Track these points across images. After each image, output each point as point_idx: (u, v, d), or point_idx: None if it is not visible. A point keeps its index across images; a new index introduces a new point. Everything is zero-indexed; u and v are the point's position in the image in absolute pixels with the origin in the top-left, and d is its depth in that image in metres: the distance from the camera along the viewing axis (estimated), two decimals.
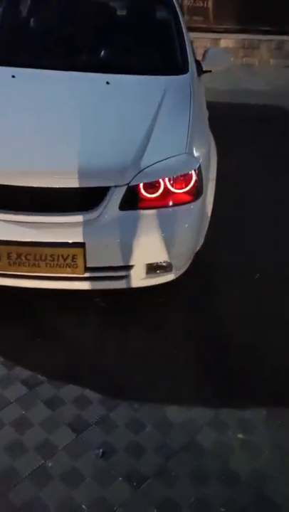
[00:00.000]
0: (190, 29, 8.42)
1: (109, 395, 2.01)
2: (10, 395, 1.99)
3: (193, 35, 8.45)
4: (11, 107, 2.43)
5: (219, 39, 8.47)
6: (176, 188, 2.19)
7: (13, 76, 2.66)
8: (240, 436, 1.87)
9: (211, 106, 5.90)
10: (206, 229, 2.55)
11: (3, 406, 1.94)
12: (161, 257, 2.21)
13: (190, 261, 2.43)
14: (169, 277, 2.32)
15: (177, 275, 2.36)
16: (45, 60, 2.83)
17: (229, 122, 5.45)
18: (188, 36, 3.67)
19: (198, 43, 8.37)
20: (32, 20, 3.25)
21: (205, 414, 1.95)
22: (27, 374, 2.08)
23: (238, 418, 1.94)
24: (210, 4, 8.45)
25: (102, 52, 2.93)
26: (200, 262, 2.66)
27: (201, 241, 2.51)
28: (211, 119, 5.34)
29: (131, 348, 2.26)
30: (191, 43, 3.35)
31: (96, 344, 2.27)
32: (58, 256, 2.04)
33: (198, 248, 2.49)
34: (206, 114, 2.88)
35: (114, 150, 2.17)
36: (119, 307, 2.48)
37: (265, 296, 2.64)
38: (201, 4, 8.47)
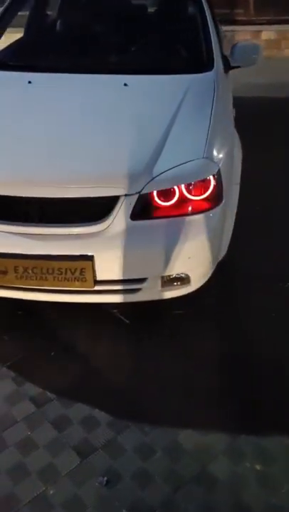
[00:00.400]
0: (230, 22, 8.26)
1: (119, 416, 1.90)
2: (17, 413, 1.92)
3: (233, 28, 8.29)
4: (23, 114, 2.37)
5: (260, 31, 8.16)
6: (193, 195, 2.05)
7: (29, 82, 2.60)
8: (257, 467, 1.71)
9: (249, 101, 5.78)
10: (230, 236, 2.39)
11: (10, 425, 1.87)
12: (177, 269, 2.07)
13: (211, 271, 2.28)
14: (187, 290, 2.18)
15: (197, 287, 2.21)
16: (63, 63, 2.76)
17: (270, 118, 5.22)
18: (219, 30, 3.51)
19: (238, 36, 8.13)
20: (51, 23, 3.20)
21: (220, 441, 1.80)
22: (37, 391, 2.01)
23: (257, 447, 1.77)
24: None
25: (122, 53, 2.83)
26: (224, 270, 2.51)
27: (224, 250, 2.35)
28: (248, 116, 5.15)
29: (145, 365, 2.14)
30: (219, 37, 3.18)
31: (110, 359, 2.17)
32: (66, 269, 1.96)
33: (220, 257, 2.34)
34: (231, 113, 2.70)
35: (125, 157, 2.05)
36: (136, 319, 2.36)
37: None
38: None
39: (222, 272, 2.46)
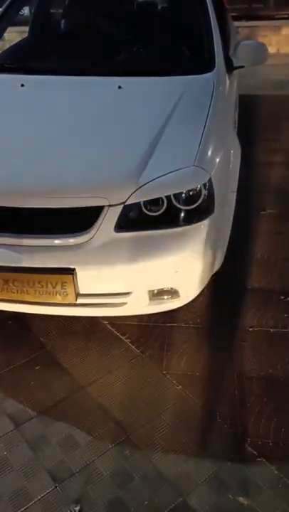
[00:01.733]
0: (250, 18, 8.05)
1: (99, 438, 1.82)
2: None
3: (252, 23, 8.10)
4: (12, 119, 2.30)
5: (280, 26, 7.93)
6: (182, 205, 1.94)
7: (22, 85, 2.53)
8: (241, 500, 1.60)
9: (269, 99, 5.60)
10: (225, 247, 2.27)
11: None
12: (164, 283, 1.97)
13: (204, 285, 2.16)
14: (177, 304, 2.07)
15: (187, 301, 2.10)
16: (58, 65, 2.69)
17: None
18: (228, 28, 3.38)
19: (257, 31, 7.95)
20: (53, 25, 3.13)
21: (204, 470, 1.69)
22: (17, 408, 1.94)
23: (242, 478, 1.66)
24: None
25: (118, 54, 2.73)
26: (222, 283, 2.40)
27: (220, 261, 2.24)
28: (265, 113, 4.98)
29: (133, 382, 2.04)
30: (226, 35, 3.05)
31: (96, 375, 2.08)
32: (47, 282, 1.88)
33: (215, 270, 2.22)
34: (232, 116, 2.57)
35: (110, 165, 1.95)
36: (127, 332, 2.27)
37: None
38: None
39: (219, 284, 2.36)
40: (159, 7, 3.17)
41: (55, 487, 1.66)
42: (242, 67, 2.83)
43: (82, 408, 1.94)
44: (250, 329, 2.28)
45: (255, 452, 1.74)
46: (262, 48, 2.83)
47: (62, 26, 3.34)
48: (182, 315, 2.30)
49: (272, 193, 3.46)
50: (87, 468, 1.72)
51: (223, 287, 2.46)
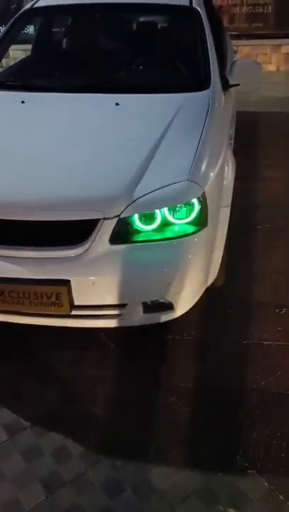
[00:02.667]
0: (249, 36, 8.21)
1: (92, 448, 1.83)
2: None
3: (252, 42, 8.24)
4: (11, 134, 2.36)
5: (280, 45, 8.07)
6: (176, 219, 1.98)
7: (22, 102, 2.60)
8: (230, 511, 1.61)
9: (268, 116, 5.69)
10: (219, 261, 2.30)
11: None
12: (158, 295, 2.00)
13: (198, 297, 2.19)
14: (171, 316, 2.10)
15: (181, 313, 2.13)
16: (57, 83, 2.76)
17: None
18: (227, 48, 3.46)
19: (257, 50, 8.09)
20: (54, 44, 3.22)
21: (194, 481, 1.70)
22: (11, 418, 1.96)
23: (232, 489, 1.67)
24: (270, 10, 8.07)
25: (116, 72, 2.80)
26: (216, 295, 2.43)
27: (214, 274, 2.27)
28: (264, 129, 5.04)
29: (125, 393, 2.06)
30: (223, 53, 3.13)
31: (91, 386, 2.10)
32: (42, 294, 1.91)
33: (209, 283, 2.25)
34: (227, 132, 2.63)
35: (105, 179, 2.00)
36: (122, 343, 2.30)
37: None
38: (261, 10, 8.12)
39: (214, 297, 2.39)
40: (161, 26, 3.26)
41: (47, 497, 1.67)
42: (237, 85, 2.90)
43: (75, 419, 1.95)
44: (245, 342, 2.30)
45: (246, 464, 1.75)
46: (256, 66, 2.91)
47: (63, 45, 3.44)
48: (176, 327, 2.32)
49: (269, 208, 3.51)
50: (79, 478, 1.73)
51: (218, 300, 2.48)
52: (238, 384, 2.08)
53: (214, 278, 2.28)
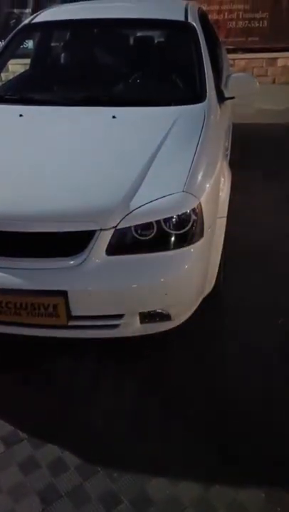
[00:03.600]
0: (245, 50, 8.32)
1: (89, 460, 1.82)
2: None
3: (249, 56, 8.35)
4: (9, 147, 2.38)
5: (276, 58, 8.18)
6: (172, 230, 2.00)
7: (20, 115, 2.63)
8: None
9: (266, 129, 5.74)
10: (216, 270, 2.31)
11: None
12: (155, 305, 2.02)
13: (195, 307, 2.20)
14: (168, 325, 2.11)
15: (178, 323, 2.14)
16: (55, 96, 2.80)
17: (284, 145, 5.15)
18: (222, 62, 3.51)
19: (254, 63, 8.19)
20: (53, 58, 3.27)
21: (191, 492, 1.69)
22: (9, 429, 1.95)
23: (230, 499, 1.66)
24: (266, 24, 8.19)
25: (113, 85, 2.84)
26: (216, 304, 2.43)
27: (210, 284, 2.28)
28: (262, 144, 5.07)
29: (122, 404, 2.05)
30: (218, 66, 3.18)
31: (87, 396, 2.09)
32: (39, 305, 1.92)
33: (206, 293, 2.26)
34: (223, 144, 2.66)
35: (102, 191, 2.02)
36: (119, 353, 2.29)
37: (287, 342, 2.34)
38: (257, 25, 8.23)
39: (213, 306, 2.39)
40: (157, 41, 3.31)
41: (43, 510, 1.66)
42: (233, 97, 2.94)
43: (73, 430, 1.95)
44: (242, 350, 2.30)
45: (242, 475, 1.74)
46: (251, 79, 2.95)
47: (61, 59, 3.49)
48: (174, 336, 2.32)
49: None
50: (75, 490, 1.72)
51: (216, 309, 2.49)
52: (235, 393, 2.07)
53: (211, 288, 2.29)
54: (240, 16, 8.27)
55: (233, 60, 7.73)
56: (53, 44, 3.73)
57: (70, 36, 3.60)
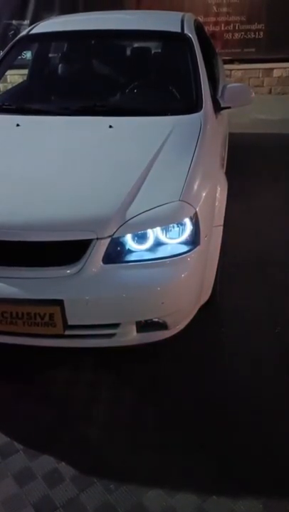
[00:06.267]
0: (242, 61, 8.38)
1: (85, 471, 1.80)
2: None
3: (245, 66, 8.42)
4: (5, 157, 2.39)
5: (272, 69, 8.26)
6: (168, 239, 2.00)
7: (17, 125, 2.64)
8: None
9: (260, 138, 5.78)
10: (213, 279, 2.31)
11: None
12: (151, 314, 2.01)
13: (192, 316, 2.20)
14: (164, 334, 2.10)
15: (175, 332, 2.13)
16: (52, 106, 2.82)
17: (281, 156, 5.17)
18: (218, 72, 3.55)
19: (250, 74, 8.27)
20: (51, 68, 3.29)
21: (189, 503, 1.67)
22: (4, 441, 1.93)
23: (228, 510, 1.64)
24: (262, 35, 8.28)
25: (110, 95, 2.86)
26: (213, 313, 2.43)
27: (207, 293, 2.28)
28: (258, 155, 5.09)
29: (118, 414, 2.04)
30: (214, 76, 3.21)
31: (85, 408, 2.08)
32: (35, 314, 1.91)
33: (203, 301, 2.26)
34: (219, 153, 2.67)
35: (98, 200, 2.02)
36: (116, 363, 2.28)
37: (286, 352, 2.33)
38: (253, 36, 8.32)
39: (209, 314, 2.39)
40: (154, 52, 3.34)
41: None
42: (229, 107, 2.96)
43: (69, 442, 1.93)
44: (241, 360, 2.29)
45: (240, 487, 1.73)
46: (246, 90, 2.98)
47: (59, 70, 3.50)
48: (170, 345, 2.31)
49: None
50: (71, 502, 1.70)
51: (213, 317, 2.48)
52: (232, 402, 2.06)
53: (208, 296, 2.29)
54: (237, 28, 8.35)
55: (230, 70, 7.81)
56: (50, 55, 3.75)
57: (67, 47, 3.63)
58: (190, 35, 3.12)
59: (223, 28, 8.35)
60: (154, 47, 3.38)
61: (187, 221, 2.01)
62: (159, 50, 3.39)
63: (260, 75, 8.29)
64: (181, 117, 2.65)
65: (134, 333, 2.04)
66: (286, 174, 4.57)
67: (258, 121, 6.53)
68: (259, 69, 8.28)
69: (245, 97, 2.93)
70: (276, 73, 8.26)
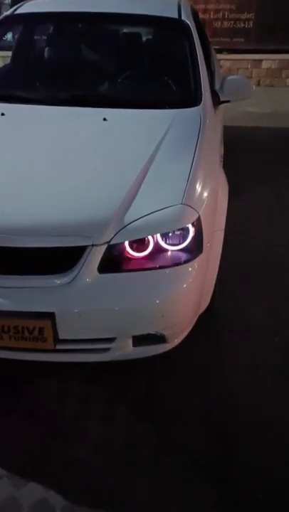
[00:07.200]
0: (231, 51, 8.20)
1: (76, 501, 1.64)
2: None
3: (234, 56, 8.24)
4: None
5: (261, 60, 8.11)
6: (169, 245, 1.84)
7: (2, 114, 2.42)
8: None
9: (250, 132, 5.64)
10: (213, 287, 2.17)
11: None
12: (150, 328, 1.85)
13: (191, 326, 2.05)
14: (163, 348, 1.95)
15: (174, 345, 1.98)
16: (41, 94, 2.59)
17: (271, 150, 5.05)
18: (213, 61, 3.37)
19: (239, 64, 8.10)
20: (36, 52, 3.05)
21: None
22: None
23: None
24: (252, 25, 8.10)
25: (103, 85, 2.66)
26: (210, 322, 2.29)
27: (206, 301, 2.14)
28: (249, 149, 4.96)
29: (112, 433, 1.88)
30: (211, 68, 3.03)
31: (75, 427, 1.91)
32: (23, 328, 1.73)
33: (202, 310, 2.11)
34: (218, 152, 2.51)
35: (93, 202, 1.84)
36: (108, 377, 2.12)
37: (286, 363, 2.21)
38: (242, 25, 8.14)
39: (208, 323, 2.25)
40: (147, 39, 3.13)
41: None
42: (228, 101, 2.80)
43: (58, 464, 1.77)
44: (238, 369, 2.17)
45: (238, 500, 1.63)
46: (247, 83, 2.82)
47: (46, 55, 3.26)
48: (167, 357, 2.17)
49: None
50: None
51: (211, 326, 2.35)
52: (230, 415, 1.95)
53: (207, 304, 2.15)
54: (226, 16, 8.17)
55: (219, 60, 7.63)
56: (36, 37, 3.50)
57: (55, 30, 3.38)
58: (188, 21, 2.93)
59: (212, 16, 8.15)
60: (149, 33, 3.17)
61: (190, 227, 1.85)
62: (154, 37, 3.17)
63: (249, 66, 8.13)
64: (180, 111, 2.47)
65: (130, 347, 1.88)
66: (276, 170, 4.45)
67: (247, 114, 6.38)
68: (248, 60, 8.12)
69: (245, 90, 2.77)
70: (265, 65, 8.12)
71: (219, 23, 8.20)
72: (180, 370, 2.18)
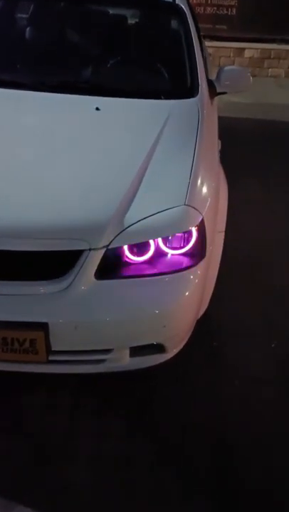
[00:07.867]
0: (213, 38, 7.99)
1: None
2: None
3: (216, 44, 8.06)
4: None
5: (244, 49, 7.97)
6: (171, 249, 1.71)
7: None
8: None
9: (234, 123, 5.53)
10: (212, 290, 2.05)
11: None
12: (150, 339, 1.73)
13: (189, 334, 1.94)
14: (161, 359, 1.83)
15: (173, 355, 1.86)
16: (26, 79, 2.37)
17: (255, 142, 4.95)
18: (205, 51, 3.23)
19: (221, 52, 7.94)
20: (17, 32, 2.82)
21: None
22: None
23: None
24: (235, 12, 7.94)
25: (95, 71, 2.47)
26: (207, 327, 2.18)
27: (205, 306, 2.02)
28: (233, 141, 4.86)
29: (104, 448, 1.77)
30: (205, 57, 2.88)
31: (64, 441, 1.78)
32: (12, 339, 1.57)
33: (200, 315, 2.00)
34: (217, 146, 2.38)
35: (90, 203, 1.68)
36: (100, 386, 1.99)
37: (284, 371, 2.13)
38: (225, 12, 7.96)
39: (205, 329, 2.14)
40: (138, 22, 2.93)
41: None
42: (224, 93, 2.66)
43: (47, 487, 1.64)
44: (237, 381, 2.08)
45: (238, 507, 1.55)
46: (246, 75, 2.69)
47: (29, 34, 3.01)
48: (163, 366, 2.06)
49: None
50: None
51: (208, 332, 2.25)
52: (229, 424, 1.87)
53: (205, 309, 2.03)
54: (209, 2, 7.98)
55: None
56: (18, 15, 3.24)
57: (39, 8, 3.14)
58: (182, 5, 2.77)
59: (194, 1, 7.95)
60: (142, 16, 2.97)
61: (193, 230, 1.73)
62: (147, 20, 2.97)
63: (232, 55, 7.98)
64: (177, 102, 2.32)
65: (127, 357, 1.75)
66: (262, 163, 4.37)
67: (231, 104, 6.25)
68: (230, 48, 7.96)
69: (243, 82, 2.64)
70: (247, 53, 7.98)
71: (202, 8, 8.00)
72: (175, 378, 2.07)
